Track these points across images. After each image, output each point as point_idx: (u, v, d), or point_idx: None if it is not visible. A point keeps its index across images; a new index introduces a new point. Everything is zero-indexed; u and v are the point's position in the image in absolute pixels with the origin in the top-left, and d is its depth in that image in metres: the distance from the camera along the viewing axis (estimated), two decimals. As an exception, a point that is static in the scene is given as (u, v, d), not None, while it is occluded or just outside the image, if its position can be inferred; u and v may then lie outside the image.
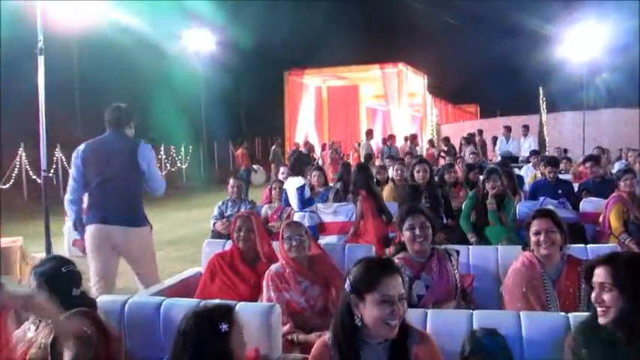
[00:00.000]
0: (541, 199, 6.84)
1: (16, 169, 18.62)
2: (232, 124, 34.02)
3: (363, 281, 2.40)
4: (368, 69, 22.83)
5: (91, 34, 13.49)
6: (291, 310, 3.69)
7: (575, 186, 7.71)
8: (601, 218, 6.24)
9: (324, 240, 6.24)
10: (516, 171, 9.15)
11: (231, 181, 7.08)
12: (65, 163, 20.24)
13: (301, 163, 13.45)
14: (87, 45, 21.49)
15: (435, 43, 38.58)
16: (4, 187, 18.05)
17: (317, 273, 3.83)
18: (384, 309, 2.35)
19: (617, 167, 10.47)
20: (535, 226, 3.52)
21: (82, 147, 4.91)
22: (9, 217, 14.00)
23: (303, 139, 21.37)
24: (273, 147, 20.90)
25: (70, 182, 4.91)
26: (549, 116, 20.37)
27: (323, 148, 21.78)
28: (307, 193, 6.84)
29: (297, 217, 6.50)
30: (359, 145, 20.04)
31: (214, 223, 6.84)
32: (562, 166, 9.83)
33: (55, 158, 19.50)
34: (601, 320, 2.45)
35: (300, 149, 18.98)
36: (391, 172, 8.60)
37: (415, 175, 6.57)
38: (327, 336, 2.54)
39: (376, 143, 20.12)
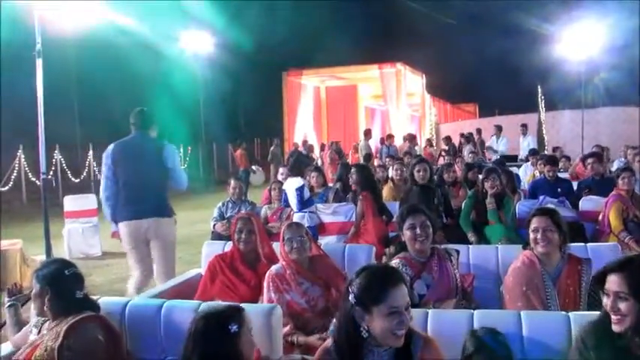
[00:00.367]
0: (541, 197, 6.85)
1: (15, 171, 18.61)
2: (231, 125, 33.99)
3: (370, 294, 2.36)
4: (366, 69, 22.81)
5: (89, 36, 13.44)
6: (292, 311, 3.68)
7: (574, 184, 7.71)
8: (600, 217, 6.25)
9: (323, 240, 6.24)
10: (515, 170, 9.14)
11: (232, 182, 7.07)
12: (64, 165, 20.26)
13: (300, 163, 13.46)
14: (85, 47, 21.42)
15: (433, 43, 38.56)
16: (3, 189, 18.05)
17: (317, 274, 3.83)
18: (392, 320, 2.33)
19: (616, 165, 10.49)
20: (534, 223, 3.53)
21: (111, 147, 5.37)
22: (8, 219, 14.00)
23: (301, 140, 21.33)
24: (272, 147, 20.87)
25: (104, 180, 5.37)
26: (548, 115, 20.39)
27: (322, 148, 21.77)
28: (306, 193, 6.83)
29: (296, 217, 6.49)
30: (357, 145, 20.05)
31: (214, 225, 6.83)
32: (561, 164, 9.82)
33: (53, 160, 19.49)
34: (615, 328, 2.40)
35: (299, 149, 18.97)
36: (391, 172, 8.61)
37: (415, 174, 6.57)
38: (329, 342, 2.53)
39: (375, 143, 20.12)
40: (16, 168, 18.64)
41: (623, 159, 11.58)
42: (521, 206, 6.52)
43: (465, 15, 37.61)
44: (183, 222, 6.99)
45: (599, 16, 18.92)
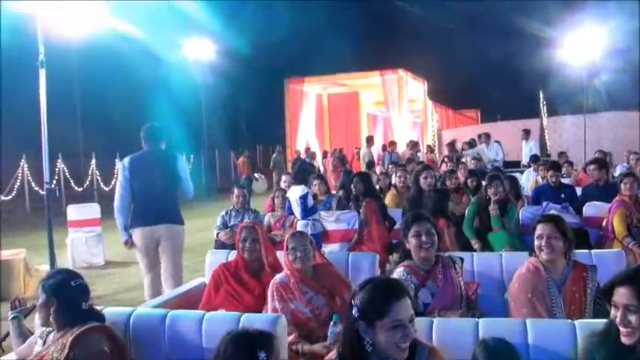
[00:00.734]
0: (544, 203, 6.83)
1: (18, 180, 18.63)
2: (233, 133, 34.05)
3: (373, 308, 2.33)
4: (368, 75, 22.82)
5: (92, 44, 13.50)
6: (296, 320, 3.68)
7: (578, 190, 7.69)
8: (604, 222, 6.23)
9: (327, 248, 6.24)
10: (518, 176, 9.13)
11: (236, 190, 7.07)
12: (67, 174, 20.27)
13: (304, 171, 13.46)
14: (88, 55, 21.53)
15: (434, 49, 38.65)
16: (5, 198, 18.06)
17: (321, 283, 3.82)
18: (396, 333, 2.30)
19: (618, 171, 10.47)
20: (538, 230, 3.50)
21: (126, 161, 5.72)
22: (11, 228, 14.02)
23: (304, 147, 21.34)
24: (274, 155, 20.90)
25: (119, 191, 5.70)
26: (550, 120, 20.34)
27: (324, 155, 21.76)
28: (310, 201, 6.82)
29: (300, 225, 6.49)
30: (358, 151, 20.03)
31: (218, 233, 6.83)
32: (564, 170, 9.80)
33: (56, 169, 19.51)
34: (625, 341, 2.37)
35: (301, 157, 18.98)
36: (394, 179, 8.60)
37: (422, 181, 6.55)
38: (333, 354, 2.50)
39: (377, 150, 20.11)
40: (19, 177, 18.66)
41: (625, 164, 11.57)
42: (524, 212, 6.51)
43: (466, 20, 37.70)
44: (186, 230, 6.99)
45: (600, 20, 18.92)
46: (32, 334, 3.31)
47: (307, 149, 20.70)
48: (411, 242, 3.64)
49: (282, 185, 8.38)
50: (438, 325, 2.96)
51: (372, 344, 2.34)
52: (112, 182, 21.37)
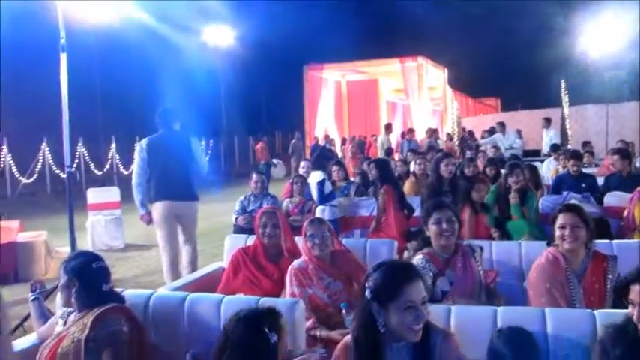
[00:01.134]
0: (564, 193, 6.76)
1: (39, 163, 18.82)
2: (252, 119, 34.14)
3: (386, 290, 2.36)
4: (387, 63, 22.62)
5: (112, 29, 13.55)
6: (314, 306, 3.70)
7: (600, 180, 7.61)
8: (625, 213, 6.16)
9: (345, 235, 6.25)
10: (538, 165, 9.05)
11: (254, 176, 7.08)
12: (87, 158, 20.44)
13: (323, 157, 13.45)
14: (108, 40, 21.63)
15: (455, 37, 38.33)
16: (27, 181, 18.27)
17: (339, 269, 3.84)
18: (408, 315, 2.32)
19: (640, 162, 10.34)
20: (560, 220, 3.47)
21: (144, 143, 6.17)
22: (33, 211, 14.19)
23: (322, 134, 21.29)
24: (293, 141, 20.90)
25: (137, 170, 6.17)
26: (571, 109, 20.09)
27: (343, 142, 21.72)
28: (328, 187, 6.83)
29: (318, 211, 6.50)
30: (374, 137, 19.96)
31: (236, 218, 6.86)
32: (585, 159, 9.68)
33: (77, 153, 19.67)
34: None
35: (319, 143, 18.95)
36: (413, 166, 8.57)
37: (442, 168, 6.50)
38: (348, 338, 2.52)
39: (396, 137, 20.02)
40: (41, 160, 18.85)
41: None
42: (544, 202, 6.45)
43: (487, 8, 37.28)
44: (204, 215, 7.09)
45: (622, 8, 18.64)
46: (53, 314, 3.36)
47: (326, 136, 20.66)
48: (432, 229, 3.62)
49: (301, 171, 8.39)
50: (456, 313, 2.96)
51: (385, 325, 2.36)
52: (132, 166, 21.56)
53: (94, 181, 18.46)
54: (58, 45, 6.88)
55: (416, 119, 21.22)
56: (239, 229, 6.55)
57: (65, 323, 3.03)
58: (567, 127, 18.87)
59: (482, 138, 16.31)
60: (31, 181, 18.42)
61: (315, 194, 6.81)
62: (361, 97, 26.30)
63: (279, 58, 31.78)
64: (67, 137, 7.16)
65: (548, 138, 15.57)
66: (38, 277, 6.87)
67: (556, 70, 24.69)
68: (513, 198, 6.03)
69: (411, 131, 17.75)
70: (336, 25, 32.80)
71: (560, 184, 7.32)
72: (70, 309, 3.06)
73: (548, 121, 16.19)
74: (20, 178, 18.20)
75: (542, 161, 11.42)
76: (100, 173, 20.68)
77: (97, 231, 9.91)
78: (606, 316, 2.75)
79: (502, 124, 15.68)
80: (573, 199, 6.33)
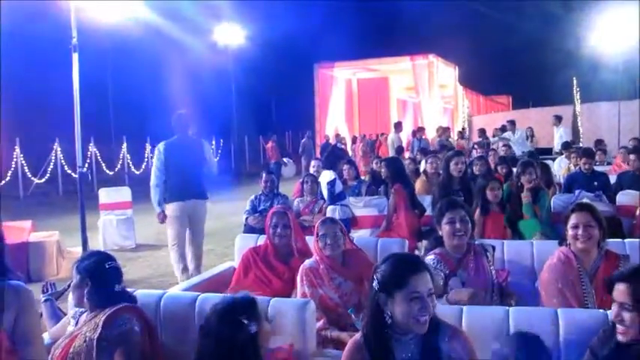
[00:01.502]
0: (577, 192, 6.70)
1: (52, 163, 18.90)
2: (263, 118, 34.15)
3: (392, 280, 2.39)
4: (398, 61, 22.61)
5: (124, 29, 13.60)
6: (325, 306, 3.68)
7: (612, 178, 7.55)
8: (638, 211, 6.12)
9: (356, 234, 6.23)
10: (550, 163, 8.98)
11: (264, 175, 7.07)
12: (99, 157, 20.53)
13: (335, 156, 13.42)
14: (120, 40, 21.67)
15: (466, 34, 38.17)
16: (39, 181, 18.36)
17: (351, 269, 3.82)
18: (414, 306, 2.34)
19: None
20: (573, 219, 3.45)
21: (161, 146, 6.62)
22: (45, 211, 14.26)
23: (333, 132, 21.27)
24: (303, 140, 20.85)
25: (155, 171, 6.61)
26: (583, 106, 19.96)
27: (354, 141, 21.68)
28: (338, 187, 6.82)
29: (329, 210, 6.49)
30: (383, 136, 19.88)
31: (247, 218, 6.86)
32: (597, 157, 9.62)
33: (88, 153, 19.75)
34: (621, 338, 2.39)
35: (330, 142, 18.92)
36: (424, 165, 8.54)
37: (452, 167, 6.47)
38: (358, 335, 2.53)
39: (407, 135, 19.97)
40: (53, 160, 18.93)
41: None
42: (556, 200, 6.40)
43: (498, 5, 37.14)
44: (215, 215, 7.12)
45: (634, 4, 18.46)
46: (65, 314, 3.38)
47: (337, 134, 20.63)
48: (445, 229, 3.60)
49: (312, 170, 8.38)
50: (467, 313, 2.94)
51: (392, 317, 2.39)
52: (143, 166, 21.62)
53: (105, 180, 18.51)
54: (70, 45, 6.91)
55: (426, 117, 21.18)
56: (249, 229, 6.55)
57: (77, 323, 3.04)
58: (579, 124, 18.76)
59: (494, 136, 16.23)
60: (43, 180, 18.51)
61: (325, 194, 6.80)
62: (372, 95, 26.30)
63: (289, 57, 31.83)
64: (79, 137, 7.21)
65: (558, 135, 15.48)
66: (50, 278, 6.89)
67: (567, 66, 24.56)
68: (526, 197, 5.99)
69: (421, 129, 17.68)
70: (346, 23, 32.79)
71: (572, 183, 7.26)
72: (82, 309, 3.07)
73: (558, 119, 16.10)
74: (32, 179, 18.30)
75: (553, 159, 11.35)
76: (112, 173, 20.75)
77: (108, 231, 9.93)
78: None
79: (512, 122, 15.60)
80: (585, 197, 6.27)
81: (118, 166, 21.36)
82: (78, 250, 7.59)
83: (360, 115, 26.08)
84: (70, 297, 3.16)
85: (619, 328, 2.39)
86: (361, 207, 6.80)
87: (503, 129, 16.18)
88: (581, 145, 15.08)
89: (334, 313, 3.69)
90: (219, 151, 25.94)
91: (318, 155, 17.44)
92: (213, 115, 22.95)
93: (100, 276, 2.96)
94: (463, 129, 21.14)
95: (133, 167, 21.72)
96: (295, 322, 3.00)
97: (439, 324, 2.47)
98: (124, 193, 10.56)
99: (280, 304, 3.10)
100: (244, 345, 2.46)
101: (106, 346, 2.77)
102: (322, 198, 7.00)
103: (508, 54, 42.21)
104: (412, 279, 2.37)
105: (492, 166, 8.28)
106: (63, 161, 19.00)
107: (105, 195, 10.36)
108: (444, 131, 17.14)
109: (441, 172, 7.14)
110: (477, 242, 3.77)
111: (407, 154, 15.41)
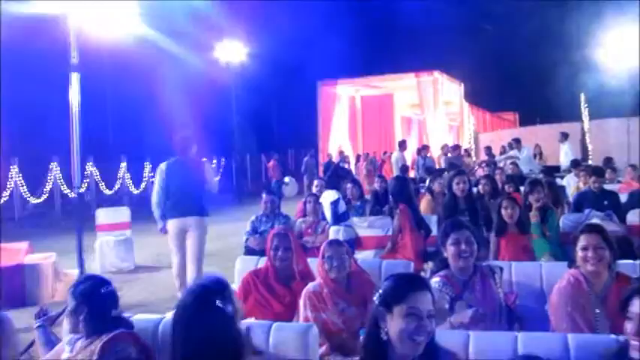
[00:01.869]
0: (586, 211, 6.58)
1: (50, 183, 18.81)
2: (265, 136, 34.18)
3: (392, 293, 2.39)
4: (402, 77, 22.52)
5: (123, 48, 13.61)
6: (328, 331, 3.61)
7: (622, 196, 7.43)
8: (649, 231, 6.02)
9: (360, 255, 6.14)
10: (559, 181, 8.88)
11: (265, 196, 7.02)
12: (98, 177, 20.47)
13: (338, 176, 13.33)
14: (119, 59, 21.72)
15: (471, 51, 38.16)
16: (36, 201, 18.28)
17: (355, 293, 3.74)
18: (410, 323, 2.32)
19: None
20: (583, 241, 3.37)
21: (163, 166, 6.93)
22: (42, 232, 14.17)
23: (336, 151, 21.19)
24: (306, 158, 20.79)
25: (156, 189, 6.95)
26: (592, 123, 19.83)
27: (357, 159, 21.60)
28: (341, 207, 6.74)
29: (332, 231, 6.42)
30: (386, 155, 19.80)
31: (247, 239, 6.79)
32: (606, 175, 9.47)
33: (86, 172, 19.66)
34: (634, 354, 2.35)
35: (332, 160, 18.83)
36: (427, 183, 8.46)
37: (455, 186, 6.40)
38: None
39: (412, 154, 19.86)
40: (50, 180, 18.85)
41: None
42: (565, 220, 6.30)
43: (503, 21, 37.26)
44: (215, 235, 7.04)
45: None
46: (60, 340, 3.31)
47: (340, 152, 20.54)
48: (450, 250, 3.53)
49: (314, 190, 8.29)
50: (474, 339, 2.84)
51: (387, 333, 2.36)
52: (142, 185, 21.56)
53: (104, 200, 18.46)
54: (69, 64, 6.91)
55: (431, 135, 21.08)
56: (250, 250, 6.49)
57: (72, 350, 2.98)
58: (587, 141, 18.63)
59: (502, 153, 16.13)
60: (40, 200, 18.42)
61: (328, 214, 6.71)
62: (376, 113, 26.22)
63: (291, 74, 31.84)
64: (77, 157, 7.20)
65: (563, 152, 15.39)
66: (45, 301, 6.81)
67: (574, 83, 24.50)
68: (534, 216, 5.90)
69: (426, 147, 17.55)
70: (349, 40, 32.76)
71: (581, 202, 7.14)
72: (77, 335, 3.00)
73: (564, 136, 16.01)
74: (29, 199, 18.22)
75: (562, 177, 11.23)
76: (110, 192, 20.69)
77: (105, 252, 9.70)
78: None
79: (517, 140, 15.52)
80: (595, 217, 6.17)
81: (118, 185, 21.30)
82: (75, 273, 7.51)
83: (363, 132, 26.01)
84: (65, 322, 3.13)
85: (634, 344, 2.36)
86: (365, 227, 6.73)
87: (510, 146, 15.97)
88: (590, 162, 14.97)
89: (338, 338, 3.62)
90: (221, 170, 25.90)
91: (320, 174, 17.35)
92: (215, 133, 22.91)
93: (96, 301, 2.93)
94: (469, 147, 21.03)
95: (132, 186, 21.66)
96: (298, 347, 2.93)
97: (438, 350, 2.45)
98: (122, 214, 10.39)
99: (282, 328, 3.03)
100: (226, 328, 2.40)
101: None
102: (324, 218, 6.92)
103: (514, 70, 42.19)
104: (412, 295, 2.36)
105: (500, 185, 8.18)
106: (60, 181, 18.92)
107: (103, 215, 10.16)
108: (454, 149, 16.88)
109: (446, 191, 7.06)
110: (484, 264, 3.67)
111: (412, 173, 15.31)
